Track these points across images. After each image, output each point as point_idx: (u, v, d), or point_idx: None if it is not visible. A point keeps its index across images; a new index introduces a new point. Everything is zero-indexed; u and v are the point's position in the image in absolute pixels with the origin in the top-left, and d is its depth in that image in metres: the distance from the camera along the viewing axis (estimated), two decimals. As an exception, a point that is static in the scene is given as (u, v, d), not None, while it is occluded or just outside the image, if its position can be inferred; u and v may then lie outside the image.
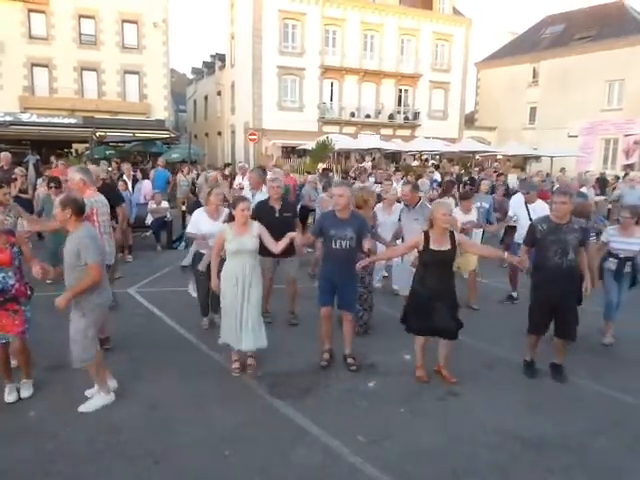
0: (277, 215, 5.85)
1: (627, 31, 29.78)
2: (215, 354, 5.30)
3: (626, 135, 29.84)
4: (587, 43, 31.81)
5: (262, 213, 5.66)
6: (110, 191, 6.32)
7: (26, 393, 4.30)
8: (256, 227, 4.79)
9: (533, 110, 34.85)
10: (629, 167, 27.58)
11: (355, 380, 4.83)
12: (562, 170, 19.55)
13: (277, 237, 4.83)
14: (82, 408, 4.12)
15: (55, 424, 3.93)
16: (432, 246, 4.54)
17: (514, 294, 7.52)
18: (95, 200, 5.10)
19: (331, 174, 15.67)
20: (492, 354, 5.50)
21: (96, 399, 4.20)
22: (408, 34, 32.31)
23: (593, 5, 34.85)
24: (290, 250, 5.51)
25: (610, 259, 5.82)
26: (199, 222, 5.69)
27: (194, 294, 6.30)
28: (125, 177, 10.99)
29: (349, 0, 30.49)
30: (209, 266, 5.06)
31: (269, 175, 7.85)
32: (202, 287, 5.80)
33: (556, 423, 4.15)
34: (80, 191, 4.92)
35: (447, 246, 4.55)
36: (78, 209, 3.94)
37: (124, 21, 27.65)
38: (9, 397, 4.21)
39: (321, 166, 17.54)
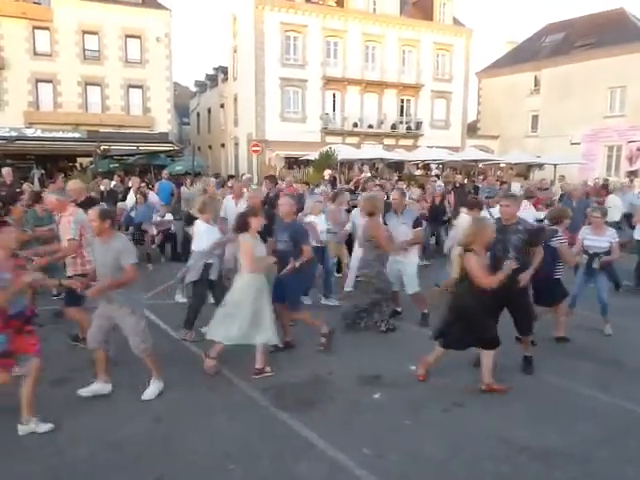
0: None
1: (628, 38, 29.87)
2: (219, 366, 5.29)
3: (629, 142, 29.82)
4: (588, 50, 31.90)
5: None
6: (94, 205, 6.45)
7: (43, 428, 4.00)
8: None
9: (535, 118, 34.91)
10: (633, 174, 27.51)
11: (360, 392, 4.81)
12: (562, 178, 19.50)
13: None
14: (145, 396, 4.55)
15: (58, 439, 3.93)
16: None
17: None
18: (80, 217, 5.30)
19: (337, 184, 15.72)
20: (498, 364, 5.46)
21: (154, 386, 4.64)
22: (409, 45, 32.51)
23: (593, 12, 34.98)
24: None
25: (583, 255, 6.29)
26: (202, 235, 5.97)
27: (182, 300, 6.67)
28: (132, 191, 11.05)
29: (350, 12, 30.75)
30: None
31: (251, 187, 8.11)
32: (200, 301, 6.09)
33: (561, 433, 4.12)
34: (58, 210, 5.24)
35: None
36: (114, 219, 4.44)
37: (127, 36, 27.99)
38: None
39: (328, 172, 17.54)
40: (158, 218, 10.62)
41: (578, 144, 31.13)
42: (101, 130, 26.15)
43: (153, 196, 11.70)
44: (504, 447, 3.91)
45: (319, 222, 7.36)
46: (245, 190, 8.62)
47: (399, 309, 6.91)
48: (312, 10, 29.92)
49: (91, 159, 23.11)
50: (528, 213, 7.38)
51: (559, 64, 33.09)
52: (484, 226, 4.72)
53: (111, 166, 22.46)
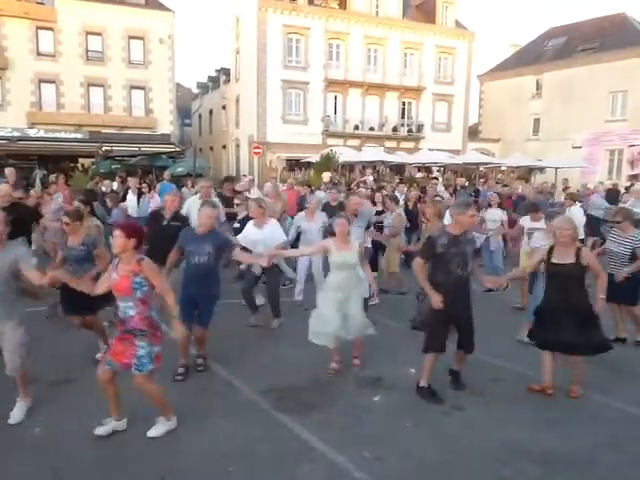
0: (165, 224, 6.27)
1: (629, 42, 29.89)
2: (218, 367, 5.30)
3: (631, 146, 29.81)
4: (590, 55, 31.93)
5: (154, 220, 6.39)
6: (20, 210, 6.49)
7: (153, 432, 3.99)
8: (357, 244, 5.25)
9: (537, 121, 34.91)
10: (634, 178, 27.46)
11: (360, 395, 4.81)
12: (565, 181, 19.49)
13: (166, 244, 5.39)
14: (13, 420, 4.11)
15: (60, 441, 3.92)
16: (554, 259, 4.72)
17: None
18: None
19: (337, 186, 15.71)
20: (498, 367, 5.45)
21: (19, 410, 4.22)
22: (411, 47, 32.55)
23: (595, 17, 35.02)
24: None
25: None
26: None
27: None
28: (130, 191, 11.04)
29: (352, 14, 30.80)
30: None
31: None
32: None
33: (564, 437, 4.11)
34: None
35: (571, 259, 4.65)
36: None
37: (130, 37, 28.05)
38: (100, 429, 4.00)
39: (327, 175, 17.55)
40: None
41: (580, 148, 31.12)
42: (103, 131, 26.19)
43: (157, 198, 11.69)
44: (504, 450, 3.90)
45: (315, 224, 7.34)
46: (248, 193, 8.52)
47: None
48: (315, 12, 29.98)
49: (93, 160, 23.13)
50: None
51: (561, 68, 33.10)
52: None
53: (113, 167, 22.45)
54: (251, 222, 6.59)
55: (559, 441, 4.05)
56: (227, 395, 4.75)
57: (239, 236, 6.46)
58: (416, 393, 4.74)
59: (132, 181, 11.62)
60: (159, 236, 5.89)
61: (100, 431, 3.95)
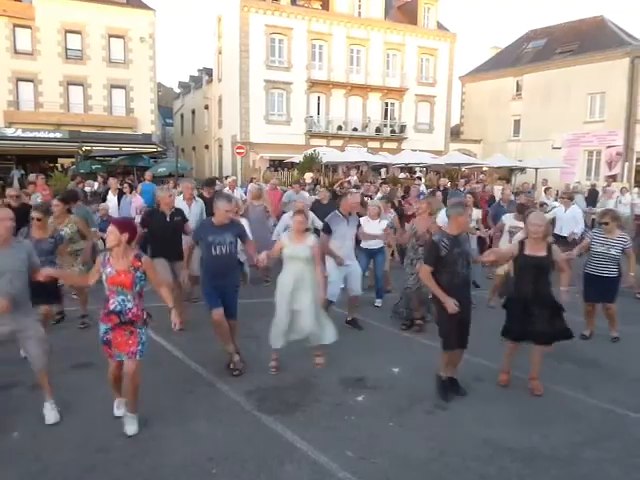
0: (168, 220, 6.35)
1: (606, 45, 30.44)
2: (201, 369, 5.25)
3: (608, 147, 30.37)
4: (568, 57, 32.43)
5: (153, 219, 6.41)
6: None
7: (130, 429, 4.01)
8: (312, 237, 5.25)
9: (517, 123, 35.35)
10: (612, 178, 27.98)
11: (344, 394, 4.80)
12: (544, 182, 19.74)
13: (169, 240, 5.86)
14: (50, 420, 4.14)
15: (40, 445, 3.85)
16: (526, 251, 4.86)
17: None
18: None
19: (318, 186, 15.72)
20: (481, 366, 5.48)
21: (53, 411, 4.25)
22: (394, 48, 32.72)
23: (574, 20, 35.60)
24: (181, 253, 6.06)
25: None
26: None
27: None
28: (111, 192, 10.90)
29: (335, 15, 30.85)
30: None
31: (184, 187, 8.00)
32: None
33: (546, 435, 4.15)
34: None
35: (543, 252, 4.81)
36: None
37: (111, 36, 27.71)
38: (118, 412, 4.23)
39: (309, 175, 17.55)
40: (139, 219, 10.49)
41: (559, 148, 31.59)
42: (83, 131, 25.80)
43: (137, 198, 11.55)
44: (488, 449, 3.93)
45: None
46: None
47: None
48: (297, 13, 29.97)
49: (73, 160, 22.80)
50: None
51: (540, 70, 33.58)
52: None
53: (93, 167, 22.15)
54: None
55: (541, 439, 4.09)
56: (210, 397, 4.70)
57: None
58: (436, 383, 4.80)
59: (112, 181, 11.48)
60: (165, 232, 6.20)
61: (131, 431, 4.00)
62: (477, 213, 9.18)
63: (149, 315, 4.12)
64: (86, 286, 4.53)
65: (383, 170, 27.40)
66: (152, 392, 4.64)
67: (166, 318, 4.19)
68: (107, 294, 3.95)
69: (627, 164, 29.68)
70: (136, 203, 11.32)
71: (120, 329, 3.93)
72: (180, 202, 7.40)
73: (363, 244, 7.71)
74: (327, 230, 6.13)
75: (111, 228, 3.93)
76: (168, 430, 4.09)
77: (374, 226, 7.45)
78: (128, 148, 25.53)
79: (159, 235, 6.23)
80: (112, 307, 3.92)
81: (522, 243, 4.97)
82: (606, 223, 6.32)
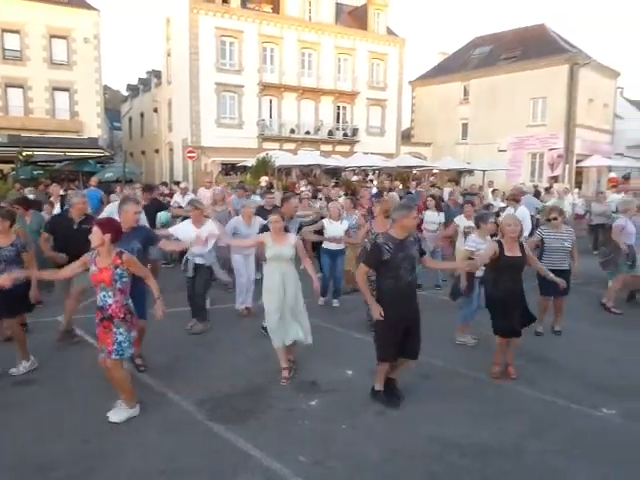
0: (75, 227, 6.06)
1: (548, 52, 31.79)
2: (150, 380, 5.10)
3: (550, 149, 31.72)
4: (512, 63, 33.67)
5: (58, 225, 6.15)
6: None
7: (112, 417, 4.28)
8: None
9: (465, 126, 36.38)
10: (554, 179, 29.26)
11: (297, 399, 4.78)
12: (490, 183, 20.39)
13: (73, 248, 5.29)
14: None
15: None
16: (507, 253, 5.15)
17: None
18: None
19: (273, 190, 15.64)
20: (429, 365, 5.53)
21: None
22: (344, 53, 33.05)
23: (518, 27, 36.99)
24: None
25: None
26: None
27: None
28: (52, 199, 10.45)
29: (286, 19, 30.87)
30: None
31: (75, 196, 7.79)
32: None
33: (492, 430, 4.26)
34: None
35: (518, 253, 5.17)
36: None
37: (52, 36, 26.69)
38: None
39: (264, 179, 17.43)
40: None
41: (505, 151, 32.75)
42: (24, 135, 24.68)
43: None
44: (438, 446, 3.99)
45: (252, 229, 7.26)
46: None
47: None
48: (248, 16, 29.79)
49: (13, 165, 21.76)
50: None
51: (486, 75, 34.69)
52: None
53: (35, 173, 21.20)
54: (188, 221, 6.60)
55: (488, 433, 4.20)
56: (161, 408, 4.57)
57: (179, 235, 6.36)
58: (371, 397, 4.73)
59: (54, 188, 11.01)
60: (70, 240, 5.80)
61: (115, 418, 4.26)
62: (440, 217, 9.27)
63: (130, 313, 4.22)
64: (57, 279, 5.08)
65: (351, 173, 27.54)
66: (98, 406, 4.47)
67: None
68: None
69: (567, 166, 31.11)
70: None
71: (102, 325, 4.15)
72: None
73: (325, 245, 7.71)
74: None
75: (95, 229, 4.12)
76: (115, 445, 3.94)
77: (336, 227, 7.49)
78: (73, 153, 24.55)
79: (63, 242, 5.89)
80: (98, 303, 4.17)
81: (500, 243, 5.21)
82: (555, 218, 6.69)
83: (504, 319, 5.18)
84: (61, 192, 11.57)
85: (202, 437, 4.10)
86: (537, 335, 6.59)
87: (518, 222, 5.26)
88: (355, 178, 25.30)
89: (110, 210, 7.21)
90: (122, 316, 4.15)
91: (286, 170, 25.08)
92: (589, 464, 3.80)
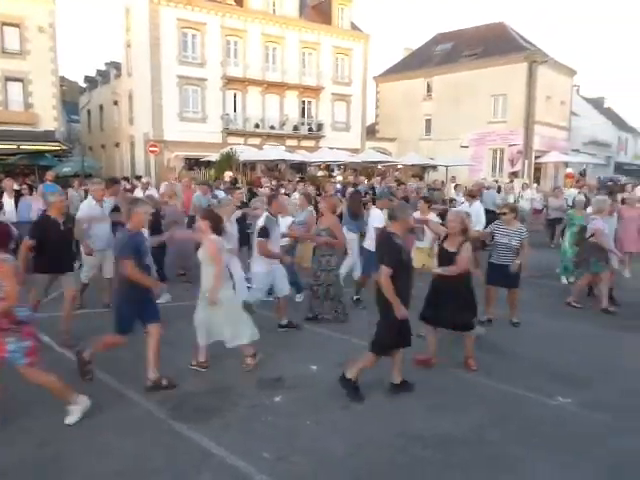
0: (62, 228, 5.90)
1: (508, 50, 32.49)
2: (109, 379, 4.97)
3: (510, 145, 32.50)
4: (474, 60, 34.25)
5: (46, 229, 5.79)
6: None
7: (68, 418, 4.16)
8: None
9: (429, 122, 36.84)
10: (514, 174, 30.01)
11: (261, 396, 4.74)
12: (453, 179, 20.73)
13: (62, 250, 5.48)
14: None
15: None
16: (446, 246, 5.34)
17: None
18: None
19: (239, 185, 15.50)
20: (388, 360, 5.60)
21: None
22: (309, 47, 32.91)
23: (478, 25, 37.63)
24: (70, 265, 5.99)
25: None
26: None
27: None
28: (6, 194, 10.03)
29: (249, 12, 30.48)
30: None
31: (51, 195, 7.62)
32: None
33: (454, 421, 4.34)
34: None
35: (454, 249, 5.22)
36: None
37: (4, 24, 25.49)
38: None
39: (228, 174, 17.23)
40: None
41: (467, 147, 33.36)
42: (-27, 127, 23.60)
43: (39, 201, 10.74)
44: (402, 438, 4.04)
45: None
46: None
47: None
48: (210, 8, 29.25)
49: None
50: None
51: (448, 72, 35.20)
52: None
53: (-14, 167, 20.36)
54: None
55: (450, 424, 4.27)
56: (119, 408, 4.45)
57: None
58: (340, 384, 4.64)
59: (7, 182, 10.55)
60: (59, 242, 5.67)
61: (69, 420, 4.14)
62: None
63: (19, 323, 3.95)
64: None
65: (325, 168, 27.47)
66: (54, 408, 4.32)
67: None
68: None
69: (527, 162, 31.95)
70: (37, 205, 10.52)
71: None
72: (90, 204, 7.05)
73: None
74: (266, 235, 6.08)
75: None
76: (73, 448, 3.83)
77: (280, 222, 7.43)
78: (27, 146, 23.58)
79: (53, 246, 5.66)
80: None
81: (445, 237, 5.38)
82: (504, 213, 6.89)
83: (427, 307, 5.34)
84: (15, 187, 11.10)
85: (164, 436, 4.02)
86: (480, 324, 6.33)
87: (457, 217, 5.35)
88: (320, 173, 25.32)
89: (86, 209, 6.98)
90: (6, 327, 3.87)
91: (251, 165, 24.87)
92: (547, 452, 3.91)
